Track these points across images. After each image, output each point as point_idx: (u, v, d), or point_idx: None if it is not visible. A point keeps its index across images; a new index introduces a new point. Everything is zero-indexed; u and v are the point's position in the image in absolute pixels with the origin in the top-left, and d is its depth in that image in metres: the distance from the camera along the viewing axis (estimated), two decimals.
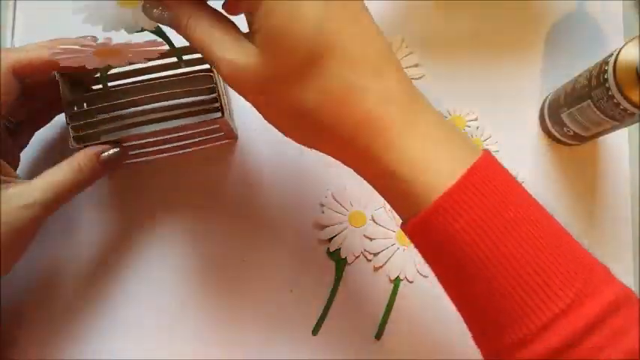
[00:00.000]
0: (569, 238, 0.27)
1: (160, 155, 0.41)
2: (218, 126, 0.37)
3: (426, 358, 0.40)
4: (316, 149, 0.29)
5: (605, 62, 0.34)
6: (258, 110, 0.28)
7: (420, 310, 0.40)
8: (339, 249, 0.41)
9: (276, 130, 0.28)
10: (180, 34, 0.28)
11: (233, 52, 0.26)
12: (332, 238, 0.41)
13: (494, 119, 0.43)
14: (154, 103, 0.36)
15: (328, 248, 0.41)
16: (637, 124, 0.40)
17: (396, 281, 0.41)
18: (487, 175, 0.26)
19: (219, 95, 0.36)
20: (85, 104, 0.37)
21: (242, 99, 0.28)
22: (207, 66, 0.37)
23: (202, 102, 0.36)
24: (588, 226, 0.42)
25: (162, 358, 0.40)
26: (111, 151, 0.35)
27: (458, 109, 0.43)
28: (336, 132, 0.26)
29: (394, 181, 0.26)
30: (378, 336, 0.40)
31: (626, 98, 0.32)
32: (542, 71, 0.44)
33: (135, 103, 0.36)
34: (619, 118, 0.35)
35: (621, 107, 0.33)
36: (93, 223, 0.41)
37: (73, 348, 0.40)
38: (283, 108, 0.27)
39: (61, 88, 0.35)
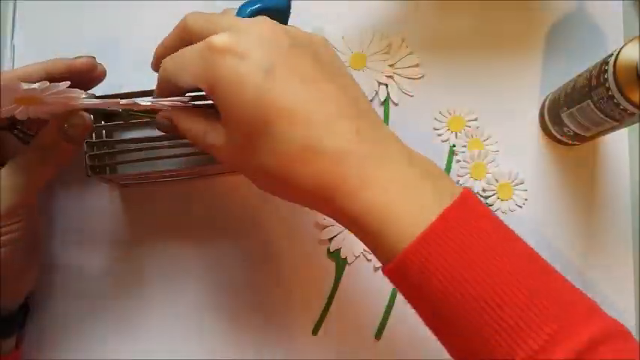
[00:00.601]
0: (552, 276, 0.27)
1: (171, 179, 0.41)
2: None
3: (426, 358, 0.40)
4: (292, 202, 0.30)
5: (605, 62, 0.34)
6: (252, 181, 0.30)
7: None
8: (340, 249, 0.41)
9: None
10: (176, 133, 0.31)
11: (211, 137, 0.29)
12: (332, 238, 0.41)
13: (494, 119, 0.43)
14: (172, 138, 0.35)
15: (328, 248, 0.41)
16: (637, 124, 0.40)
17: None
18: (460, 218, 0.26)
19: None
20: (104, 132, 0.36)
21: None
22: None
23: None
24: (587, 225, 0.42)
25: (161, 358, 0.40)
26: (72, 120, 0.32)
27: (458, 109, 0.43)
28: (300, 188, 0.27)
29: (363, 229, 0.27)
30: (378, 336, 0.40)
31: (626, 98, 0.32)
32: (542, 71, 0.44)
33: (153, 138, 0.35)
34: (619, 118, 0.34)
35: (621, 107, 0.33)
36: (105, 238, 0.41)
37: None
38: (252, 171, 0.29)
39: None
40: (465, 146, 0.43)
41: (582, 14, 0.44)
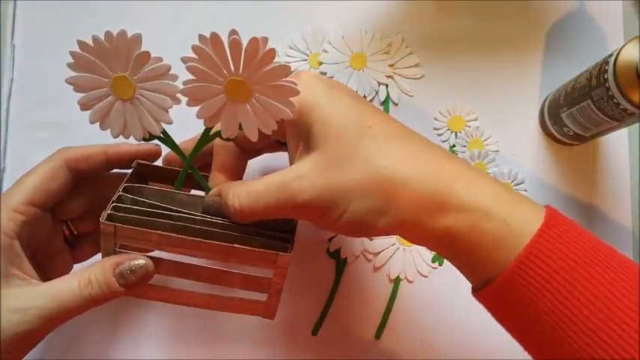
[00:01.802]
0: None
1: (183, 304, 0.33)
2: (269, 276, 0.30)
3: (426, 358, 0.40)
4: (392, 227, 0.27)
5: (605, 62, 0.34)
6: (328, 211, 0.27)
7: (420, 310, 0.40)
8: (339, 249, 0.41)
9: None
10: (232, 214, 0.29)
11: (289, 174, 0.27)
12: (332, 238, 0.41)
13: (495, 119, 0.43)
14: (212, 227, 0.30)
15: (328, 248, 0.41)
16: (637, 124, 0.40)
17: (396, 281, 0.41)
18: (561, 219, 0.26)
19: (293, 239, 0.30)
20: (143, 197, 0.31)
21: None
22: None
23: (267, 236, 0.30)
24: (588, 225, 0.42)
25: (161, 358, 0.40)
26: (132, 263, 0.29)
27: (458, 109, 0.43)
28: (410, 186, 0.26)
29: (479, 223, 0.26)
30: (378, 336, 0.40)
31: (626, 98, 0.32)
32: (542, 71, 0.44)
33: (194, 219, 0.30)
34: (619, 118, 0.34)
35: (621, 107, 0.33)
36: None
37: None
38: (355, 178, 0.27)
39: (130, 174, 0.32)
40: (465, 146, 0.43)
41: (582, 14, 0.44)
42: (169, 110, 0.28)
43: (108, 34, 0.24)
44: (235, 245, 0.29)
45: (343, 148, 0.27)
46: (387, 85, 0.43)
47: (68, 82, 0.27)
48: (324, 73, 0.42)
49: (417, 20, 0.44)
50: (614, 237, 0.42)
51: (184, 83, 0.26)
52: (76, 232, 0.36)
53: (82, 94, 0.27)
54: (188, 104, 0.27)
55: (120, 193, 0.30)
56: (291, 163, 0.30)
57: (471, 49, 0.44)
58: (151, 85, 0.27)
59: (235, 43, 0.24)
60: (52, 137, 0.41)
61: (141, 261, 0.29)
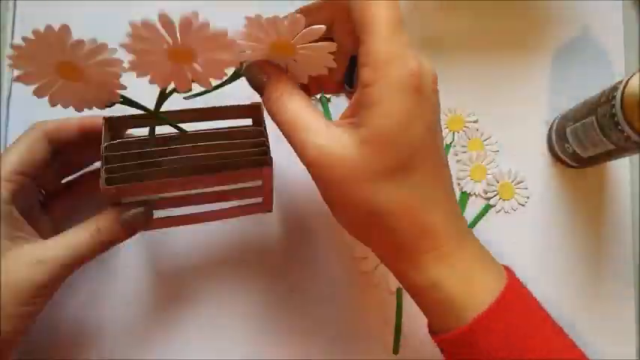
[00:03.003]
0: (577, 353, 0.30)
1: (189, 223, 0.38)
2: (260, 184, 0.35)
3: None
4: (368, 246, 0.30)
5: (620, 81, 0.34)
6: (326, 198, 0.29)
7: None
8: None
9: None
10: (267, 107, 0.29)
11: (325, 139, 0.27)
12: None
13: (495, 119, 0.43)
14: (196, 153, 0.33)
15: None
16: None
17: (398, 292, 0.41)
18: (516, 295, 0.29)
19: (268, 148, 0.33)
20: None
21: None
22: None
23: (248, 154, 0.33)
24: (588, 225, 0.42)
25: (162, 358, 0.40)
26: (132, 212, 0.32)
27: (458, 109, 0.43)
28: (396, 234, 0.28)
29: (436, 292, 0.28)
30: (396, 351, 0.40)
31: (626, 120, 0.32)
32: (543, 72, 0.44)
33: (176, 152, 0.33)
34: (616, 140, 0.34)
35: (619, 128, 0.33)
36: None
37: None
38: (357, 202, 0.27)
39: (103, 131, 0.33)
40: (464, 146, 0.43)
41: (586, 13, 0.44)
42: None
43: (35, 31, 0.26)
44: (226, 172, 0.32)
45: (374, 171, 0.27)
46: None
47: (17, 80, 0.28)
48: None
49: (418, 20, 0.44)
50: (615, 236, 0.42)
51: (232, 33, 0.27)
52: (44, 194, 0.38)
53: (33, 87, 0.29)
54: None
55: (105, 154, 0.31)
56: (341, 115, 0.31)
57: (472, 50, 0.44)
58: (95, 63, 0.27)
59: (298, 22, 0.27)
60: None
61: (140, 209, 0.32)
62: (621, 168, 0.43)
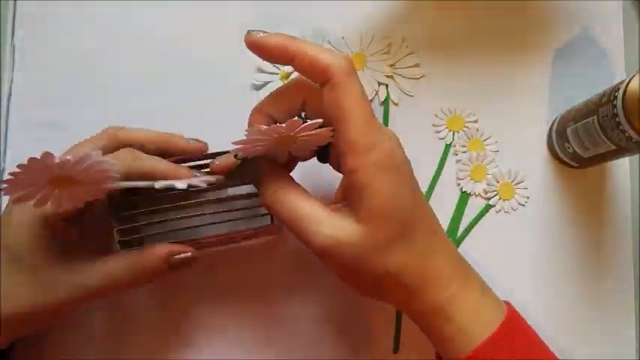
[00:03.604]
0: None
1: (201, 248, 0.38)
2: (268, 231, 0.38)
3: None
4: (381, 300, 0.33)
5: (622, 81, 0.34)
6: (341, 276, 0.32)
7: None
8: None
9: None
10: (263, 202, 0.32)
11: (328, 227, 0.30)
12: None
13: (495, 119, 0.43)
14: (202, 207, 0.34)
15: None
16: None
17: None
18: (516, 320, 0.32)
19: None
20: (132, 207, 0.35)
21: None
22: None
23: (251, 206, 0.35)
24: (589, 224, 0.42)
25: (163, 357, 0.40)
26: (182, 255, 0.34)
27: (458, 109, 0.43)
28: (408, 288, 0.31)
29: (448, 325, 0.31)
30: (396, 350, 0.40)
31: (628, 120, 0.32)
32: (543, 71, 0.44)
33: (183, 208, 0.35)
34: (617, 140, 0.34)
35: (621, 128, 0.33)
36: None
37: None
38: (369, 272, 0.30)
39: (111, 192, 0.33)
40: (464, 146, 0.43)
41: (586, 13, 0.44)
42: None
43: (20, 165, 0.26)
44: (238, 231, 0.36)
45: (384, 242, 0.30)
46: (386, 86, 0.43)
47: (15, 201, 0.28)
48: None
49: (418, 20, 0.44)
50: (615, 235, 0.42)
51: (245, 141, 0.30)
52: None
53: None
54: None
55: (114, 213, 0.33)
56: (333, 200, 0.35)
57: (472, 50, 0.44)
58: (83, 170, 0.28)
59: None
60: (51, 137, 0.41)
61: (189, 253, 0.34)
62: (621, 168, 0.43)
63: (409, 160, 0.31)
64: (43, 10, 0.43)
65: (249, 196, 0.35)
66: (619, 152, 0.36)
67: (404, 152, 0.31)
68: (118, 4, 0.43)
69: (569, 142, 0.39)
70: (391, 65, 0.43)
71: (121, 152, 0.33)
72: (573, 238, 0.42)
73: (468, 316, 0.31)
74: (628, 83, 0.32)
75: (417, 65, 0.43)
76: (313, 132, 0.30)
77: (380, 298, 0.33)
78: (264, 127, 0.28)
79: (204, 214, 0.34)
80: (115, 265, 0.33)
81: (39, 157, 0.26)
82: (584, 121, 0.37)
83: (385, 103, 0.43)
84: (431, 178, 0.42)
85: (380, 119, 0.42)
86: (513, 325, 0.32)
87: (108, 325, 0.40)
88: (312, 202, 0.31)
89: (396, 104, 0.43)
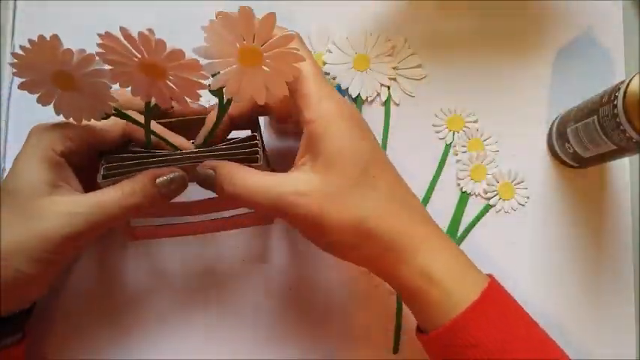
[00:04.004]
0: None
1: (190, 234, 0.39)
2: None
3: None
4: (366, 265, 0.33)
5: (622, 82, 0.34)
6: (316, 234, 0.32)
7: None
8: None
9: None
10: (226, 193, 0.31)
11: (292, 185, 0.31)
12: None
13: (495, 119, 0.43)
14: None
15: None
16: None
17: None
18: (499, 295, 0.32)
19: (261, 148, 0.34)
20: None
21: None
22: (248, 132, 0.36)
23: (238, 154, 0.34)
24: (588, 225, 0.42)
25: (164, 358, 0.40)
26: (170, 175, 0.32)
27: (458, 109, 0.43)
28: (384, 238, 0.31)
29: (432, 287, 0.31)
30: (396, 350, 0.40)
31: (628, 120, 0.32)
32: (544, 71, 0.44)
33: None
34: (617, 140, 0.34)
35: (622, 128, 0.33)
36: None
37: None
38: (341, 222, 0.30)
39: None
40: (464, 146, 0.43)
41: (586, 13, 0.44)
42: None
43: (31, 40, 0.27)
44: (228, 218, 0.35)
45: (344, 187, 0.30)
46: (388, 87, 0.43)
47: (20, 87, 0.29)
48: (327, 74, 0.42)
49: (420, 21, 0.44)
50: (614, 235, 0.42)
51: (195, 51, 0.28)
52: None
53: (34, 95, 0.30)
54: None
55: (104, 164, 0.33)
56: (295, 163, 0.33)
57: (474, 50, 0.44)
58: (84, 73, 0.28)
59: (248, 14, 0.27)
60: None
61: (177, 173, 0.32)
62: (621, 168, 0.43)
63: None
64: (43, 10, 0.43)
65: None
66: (619, 152, 0.36)
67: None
68: (118, 4, 0.43)
69: (569, 142, 0.39)
70: (394, 67, 0.43)
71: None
72: (573, 238, 0.42)
73: (454, 279, 0.31)
74: (628, 83, 0.33)
75: (419, 66, 0.43)
76: (184, 63, 0.27)
77: (364, 260, 0.33)
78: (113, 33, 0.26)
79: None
80: (107, 194, 0.32)
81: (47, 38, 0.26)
82: (585, 121, 0.37)
83: (386, 103, 0.43)
84: (431, 178, 0.42)
85: (381, 119, 0.43)
86: (496, 291, 0.32)
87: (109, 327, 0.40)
88: (267, 173, 0.32)
89: (397, 104, 0.43)
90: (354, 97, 0.42)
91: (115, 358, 0.40)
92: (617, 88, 0.34)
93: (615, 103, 0.33)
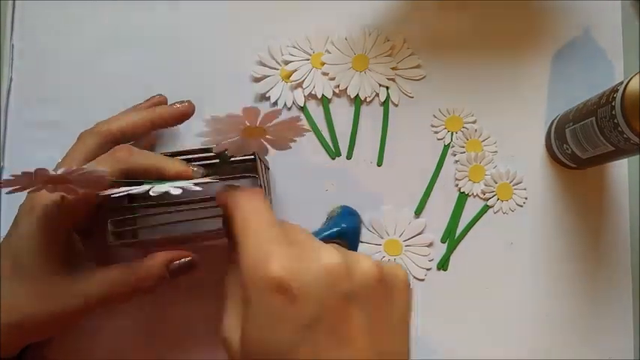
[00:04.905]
0: None
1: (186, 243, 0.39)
2: None
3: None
4: None
5: (620, 83, 0.34)
6: None
7: (427, 312, 0.40)
8: None
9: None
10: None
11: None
12: None
13: (494, 120, 0.43)
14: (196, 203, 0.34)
15: None
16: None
17: None
18: None
19: (267, 192, 0.34)
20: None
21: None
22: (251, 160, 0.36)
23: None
24: (587, 224, 0.42)
25: (164, 358, 0.40)
26: (182, 261, 0.34)
27: (457, 110, 0.43)
28: None
29: None
30: None
31: (626, 121, 0.32)
32: (542, 72, 0.44)
33: (177, 204, 0.34)
34: (615, 141, 0.34)
35: (619, 130, 0.33)
36: None
37: None
38: None
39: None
40: (463, 147, 0.43)
41: (586, 13, 0.44)
42: None
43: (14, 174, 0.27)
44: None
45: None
46: (387, 88, 0.43)
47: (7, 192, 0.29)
48: (326, 74, 0.43)
49: (419, 21, 0.44)
50: (614, 235, 0.42)
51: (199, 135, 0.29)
52: None
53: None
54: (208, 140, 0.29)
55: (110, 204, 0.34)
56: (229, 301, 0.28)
57: (473, 51, 0.44)
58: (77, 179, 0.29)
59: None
60: (51, 137, 0.41)
61: (189, 258, 0.33)
62: (620, 169, 0.43)
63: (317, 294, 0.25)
64: (43, 10, 0.43)
65: None
66: (617, 153, 0.36)
67: (321, 279, 0.25)
68: (118, 4, 0.43)
69: (567, 143, 0.39)
70: (393, 68, 0.43)
71: (117, 150, 0.33)
72: (572, 239, 0.42)
73: None
74: (627, 85, 0.33)
75: (418, 66, 0.43)
76: (280, 121, 0.29)
77: None
78: (223, 115, 0.27)
79: (196, 209, 0.34)
80: (116, 274, 0.32)
81: (32, 170, 0.26)
82: (583, 122, 0.37)
83: (385, 104, 0.43)
84: (429, 178, 0.42)
85: (380, 120, 0.43)
86: None
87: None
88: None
89: (396, 105, 0.43)
90: (352, 97, 0.42)
91: (116, 358, 0.40)
92: (615, 89, 0.34)
93: (613, 104, 0.33)
